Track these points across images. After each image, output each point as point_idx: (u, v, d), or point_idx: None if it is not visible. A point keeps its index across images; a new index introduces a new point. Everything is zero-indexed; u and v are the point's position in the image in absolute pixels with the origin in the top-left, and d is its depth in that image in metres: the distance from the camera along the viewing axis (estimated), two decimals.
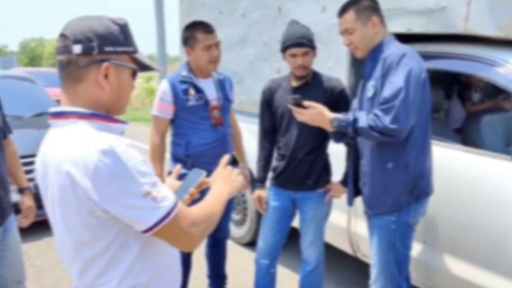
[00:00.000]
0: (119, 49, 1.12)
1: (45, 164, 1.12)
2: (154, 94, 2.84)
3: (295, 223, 2.70)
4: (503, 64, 2.21)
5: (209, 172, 1.43)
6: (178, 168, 1.54)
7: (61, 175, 1.05)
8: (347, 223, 2.92)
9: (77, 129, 1.08)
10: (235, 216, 3.92)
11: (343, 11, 2.08)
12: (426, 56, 2.21)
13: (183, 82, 2.54)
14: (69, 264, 1.17)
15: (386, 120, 1.87)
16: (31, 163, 2.76)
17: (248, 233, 3.78)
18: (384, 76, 1.96)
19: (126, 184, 1.02)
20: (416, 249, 2.37)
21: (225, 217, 2.80)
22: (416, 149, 2.02)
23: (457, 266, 2.34)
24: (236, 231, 3.90)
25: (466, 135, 3.11)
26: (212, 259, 2.97)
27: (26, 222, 2.34)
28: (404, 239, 2.11)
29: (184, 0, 4.49)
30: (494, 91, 3.57)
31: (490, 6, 2.23)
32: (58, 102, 1.17)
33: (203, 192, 1.41)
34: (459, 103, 3.66)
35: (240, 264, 3.49)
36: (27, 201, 2.31)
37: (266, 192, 2.58)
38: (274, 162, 2.55)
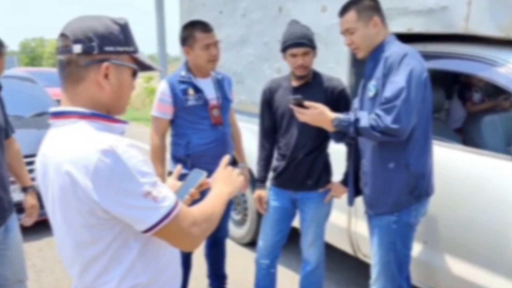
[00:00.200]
0: (120, 49, 1.12)
1: (45, 164, 1.12)
2: (154, 94, 2.85)
3: (296, 223, 2.70)
4: (504, 64, 2.21)
5: (210, 172, 1.43)
6: (179, 169, 1.54)
7: (61, 175, 1.05)
8: (347, 223, 2.92)
9: (77, 129, 1.08)
10: (236, 216, 3.92)
11: (344, 11, 2.08)
12: (426, 56, 2.20)
13: (182, 82, 2.54)
14: (69, 264, 1.17)
15: (388, 120, 1.87)
16: (32, 163, 2.76)
17: (249, 233, 3.78)
18: (386, 76, 1.96)
19: (126, 184, 1.02)
20: (416, 249, 2.37)
21: (224, 216, 2.80)
22: (417, 149, 2.02)
23: (457, 266, 2.34)
24: (236, 231, 3.89)
25: (466, 135, 3.11)
26: (212, 258, 2.97)
27: (29, 221, 2.34)
28: (404, 239, 2.11)
29: (184, 0, 4.49)
30: (494, 91, 3.56)
31: (491, 6, 2.23)
32: (58, 102, 1.18)
33: (203, 193, 1.41)
34: (460, 103, 3.66)
35: (240, 264, 3.49)
36: (31, 200, 2.31)
37: (266, 192, 2.58)
38: (275, 162, 2.55)
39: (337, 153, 2.51)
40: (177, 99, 2.51)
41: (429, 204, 2.16)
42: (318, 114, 2.06)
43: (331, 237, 2.94)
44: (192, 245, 1.16)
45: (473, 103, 3.65)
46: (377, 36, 2.05)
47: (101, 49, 1.09)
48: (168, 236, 1.10)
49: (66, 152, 1.05)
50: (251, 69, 3.72)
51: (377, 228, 2.14)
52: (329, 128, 2.09)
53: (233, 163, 1.43)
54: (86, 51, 1.08)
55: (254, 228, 3.66)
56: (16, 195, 2.66)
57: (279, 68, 3.31)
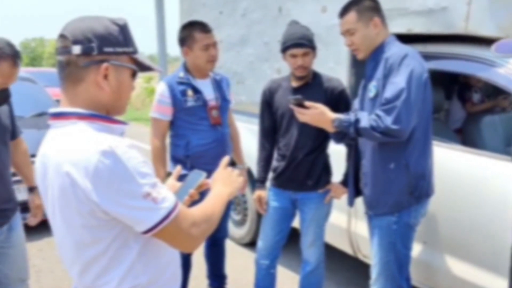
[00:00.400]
0: (119, 49, 1.12)
1: (45, 164, 1.12)
2: (154, 94, 2.85)
3: (295, 223, 2.70)
4: (503, 64, 2.21)
5: (209, 172, 1.43)
6: (178, 169, 1.54)
7: (61, 176, 1.05)
8: (347, 223, 2.92)
9: (77, 130, 1.08)
10: (235, 216, 3.92)
11: (344, 11, 2.08)
12: (426, 57, 2.21)
13: (181, 83, 2.54)
14: (69, 265, 1.17)
15: (388, 120, 1.87)
16: (32, 163, 2.77)
17: (248, 233, 3.78)
18: (386, 76, 1.96)
19: (126, 185, 1.02)
20: (416, 249, 2.37)
21: (224, 216, 2.80)
22: (418, 150, 2.02)
23: (457, 267, 2.34)
24: (236, 231, 3.89)
25: (466, 136, 3.11)
26: (211, 259, 2.97)
27: (34, 220, 2.35)
28: (404, 240, 2.11)
29: (184, 0, 4.49)
30: (494, 91, 3.56)
31: (491, 6, 2.23)
32: (58, 102, 1.18)
33: (203, 193, 1.41)
34: (459, 104, 3.66)
35: (240, 264, 3.49)
36: (36, 200, 2.32)
37: (266, 192, 2.58)
38: (274, 163, 2.55)
39: (337, 153, 2.51)
40: (176, 100, 2.51)
41: (429, 204, 2.16)
42: (318, 114, 2.06)
43: (331, 238, 2.94)
44: (192, 246, 1.16)
45: (472, 103, 3.65)
46: (378, 37, 2.05)
47: (101, 50, 1.09)
48: (167, 237, 1.10)
49: (66, 153, 1.05)
50: (251, 69, 3.72)
51: (377, 229, 2.14)
52: (329, 128, 2.09)
53: (232, 164, 1.43)
54: (86, 52, 1.08)
55: (254, 228, 3.66)
56: (21, 195, 2.67)
57: (279, 69, 3.31)
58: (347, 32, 2.08)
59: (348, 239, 2.94)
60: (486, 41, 2.34)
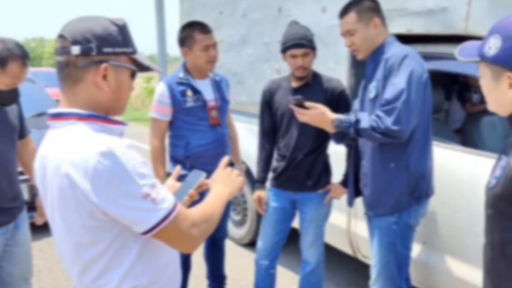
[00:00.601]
0: (118, 50, 1.11)
1: (44, 165, 1.12)
2: (154, 94, 2.85)
3: (295, 223, 2.70)
4: None
5: (209, 173, 1.43)
6: (178, 170, 1.54)
7: (60, 177, 1.05)
8: (347, 224, 2.92)
9: (76, 131, 1.08)
10: (235, 216, 3.92)
11: (344, 12, 2.08)
12: (426, 57, 2.20)
13: (180, 83, 2.54)
14: (69, 265, 1.17)
15: (388, 121, 1.87)
16: None
17: (248, 234, 3.77)
18: (386, 77, 1.96)
19: (125, 186, 1.02)
20: (416, 249, 2.37)
21: (223, 217, 2.80)
22: (418, 150, 2.02)
23: (456, 267, 2.34)
24: (236, 231, 3.89)
25: (466, 136, 3.11)
26: (211, 259, 2.97)
27: (41, 219, 2.36)
28: (404, 240, 2.11)
29: (184, 0, 4.49)
30: None
31: (490, 6, 2.23)
32: (58, 102, 1.18)
33: (202, 194, 1.41)
34: (459, 104, 3.66)
35: (240, 264, 3.49)
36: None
37: (266, 192, 2.58)
38: (274, 163, 2.55)
39: (337, 154, 2.51)
40: (176, 100, 2.51)
41: (428, 205, 2.16)
42: (318, 114, 2.06)
43: (330, 238, 2.94)
44: (192, 247, 1.16)
45: (472, 103, 3.65)
46: (377, 38, 2.05)
47: (100, 50, 1.09)
48: (167, 237, 1.10)
49: (65, 154, 1.04)
50: (251, 69, 3.72)
51: (377, 229, 2.14)
52: (330, 129, 2.09)
53: (230, 164, 1.43)
54: (85, 53, 1.08)
55: (254, 228, 3.66)
56: (27, 193, 2.68)
57: (279, 69, 3.31)
58: (347, 33, 2.08)
59: (347, 239, 2.94)
60: None
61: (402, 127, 1.88)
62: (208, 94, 2.59)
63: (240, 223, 3.89)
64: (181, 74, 2.57)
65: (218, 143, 2.60)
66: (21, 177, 2.26)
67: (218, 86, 2.66)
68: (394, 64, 1.94)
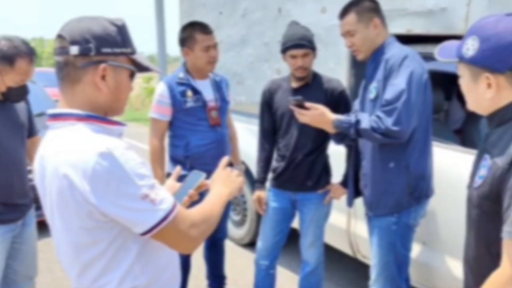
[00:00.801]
0: (117, 50, 1.11)
1: (43, 166, 1.12)
2: (154, 94, 2.85)
3: (295, 224, 2.70)
4: None
5: (208, 173, 1.43)
6: (178, 170, 1.54)
7: (59, 178, 1.04)
8: (346, 224, 2.92)
9: (75, 132, 1.07)
10: (235, 216, 3.92)
11: (344, 13, 2.08)
12: (426, 57, 2.20)
13: (180, 84, 2.54)
14: (68, 266, 1.17)
15: (388, 122, 1.87)
16: None
17: (248, 234, 3.77)
18: (386, 78, 1.96)
19: (124, 187, 1.02)
20: (415, 250, 2.37)
21: (223, 217, 2.79)
22: (418, 151, 2.02)
23: (456, 267, 2.33)
24: (236, 232, 3.89)
25: (466, 136, 3.11)
26: (211, 259, 2.97)
27: None
28: (404, 240, 2.11)
29: (184, 0, 4.49)
30: None
31: (490, 7, 2.23)
32: (57, 102, 1.18)
33: (202, 194, 1.41)
34: (459, 104, 3.65)
35: (240, 264, 3.49)
36: None
37: (266, 193, 2.58)
38: (274, 163, 2.54)
39: (336, 154, 2.51)
40: (176, 100, 2.51)
41: (428, 205, 2.16)
42: (318, 115, 2.06)
43: (330, 238, 2.94)
44: (191, 247, 1.16)
45: None
46: (378, 38, 2.05)
47: (98, 50, 1.08)
48: (166, 238, 1.10)
49: (64, 155, 1.04)
50: (251, 69, 3.72)
51: (377, 229, 2.14)
52: (330, 129, 2.09)
53: (230, 164, 1.43)
54: (83, 53, 1.08)
55: (254, 228, 3.66)
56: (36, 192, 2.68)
57: (279, 69, 3.31)
58: (347, 33, 2.08)
59: (347, 239, 2.94)
60: None
61: (403, 127, 1.88)
62: (208, 94, 2.59)
63: (240, 223, 3.89)
64: (181, 74, 2.57)
65: (218, 143, 2.60)
66: (30, 176, 2.27)
67: (218, 87, 2.66)
68: (394, 64, 1.94)
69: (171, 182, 1.49)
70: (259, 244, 2.63)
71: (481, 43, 1.15)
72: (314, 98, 2.23)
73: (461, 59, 1.22)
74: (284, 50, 2.33)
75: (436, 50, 1.33)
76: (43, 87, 5.60)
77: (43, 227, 2.19)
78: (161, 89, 2.54)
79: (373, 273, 2.18)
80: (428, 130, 2.06)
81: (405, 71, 1.91)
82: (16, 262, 2.17)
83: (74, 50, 1.07)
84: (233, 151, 2.87)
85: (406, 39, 2.30)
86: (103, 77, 1.10)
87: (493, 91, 1.16)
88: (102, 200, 1.02)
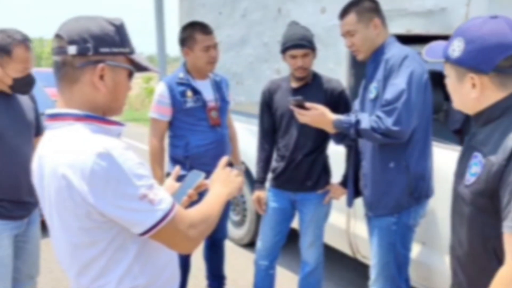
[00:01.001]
0: (115, 50, 1.11)
1: (41, 166, 1.11)
2: (154, 94, 2.86)
3: (295, 224, 2.70)
4: None
5: (208, 173, 1.43)
6: (177, 170, 1.54)
7: (57, 178, 1.04)
8: (346, 224, 2.92)
9: (73, 132, 1.07)
10: (235, 217, 3.92)
11: (344, 13, 2.08)
12: None
13: (180, 84, 2.54)
14: (67, 266, 1.17)
15: (389, 122, 1.87)
16: None
17: (248, 234, 3.77)
18: (386, 78, 1.96)
19: (122, 187, 1.02)
20: (415, 250, 2.37)
21: (223, 217, 2.80)
22: (418, 151, 2.02)
23: None
24: (235, 232, 3.89)
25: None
26: (211, 260, 2.97)
27: None
28: (404, 241, 2.11)
29: (184, 0, 4.49)
30: None
31: (489, 7, 2.23)
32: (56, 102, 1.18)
33: (201, 194, 1.41)
34: None
35: (240, 264, 3.49)
36: None
37: (265, 193, 2.58)
38: (274, 163, 2.54)
39: (336, 154, 2.51)
40: (176, 101, 2.51)
41: (428, 205, 2.16)
42: (318, 115, 2.06)
43: (330, 238, 2.94)
44: (190, 247, 1.16)
45: None
46: (378, 38, 2.05)
47: (96, 50, 1.08)
48: (165, 238, 1.09)
49: (62, 155, 1.04)
50: (251, 69, 3.72)
51: (376, 229, 2.14)
52: (330, 129, 2.09)
53: (230, 164, 1.43)
54: (81, 53, 1.07)
55: (253, 229, 3.65)
56: None
57: (279, 69, 3.31)
58: (347, 34, 2.08)
59: (347, 239, 2.94)
60: None
61: (403, 127, 1.88)
62: (208, 94, 2.59)
63: (239, 224, 3.89)
64: (181, 75, 2.56)
65: (217, 143, 2.60)
66: None
67: (218, 87, 2.66)
68: (394, 64, 1.94)
69: (170, 182, 1.49)
70: (259, 244, 2.63)
71: (467, 45, 1.20)
72: (314, 98, 2.23)
73: (447, 59, 1.27)
74: (284, 50, 2.33)
75: (424, 50, 1.38)
76: (43, 87, 5.59)
77: (43, 227, 2.19)
78: (161, 89, 2.54)
79: (373, 273, 2.18)
80: (428, 130, 2.06)
81: (405, 71, 1.91)
82: (20, 261, 2.17)
83: (72, 50, 1.07)
84: (233, 151, 2.87)
85: (405, 39, 2.30)
86: (101, 77, 1.10)
87: (478, 91, 1.21)
88: (100, 201, 1.01)
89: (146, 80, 16.17)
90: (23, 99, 2.21)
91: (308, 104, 2.07)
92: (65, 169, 1.02)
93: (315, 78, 2.41)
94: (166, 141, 2.65)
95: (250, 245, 3.72)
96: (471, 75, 1.20)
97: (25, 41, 2.00)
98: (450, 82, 1.29)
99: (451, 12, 2.29)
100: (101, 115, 1.13)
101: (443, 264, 2.39)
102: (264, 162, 2.57)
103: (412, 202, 2.05)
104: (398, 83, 1.90)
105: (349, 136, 2.07)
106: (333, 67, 2.90)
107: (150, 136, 2.59)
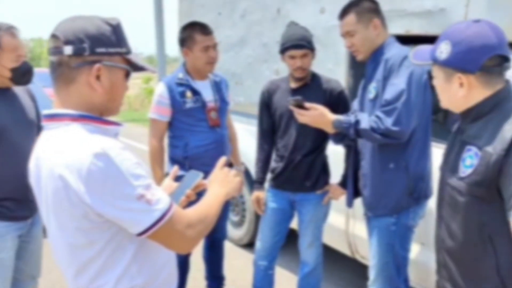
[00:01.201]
0: (111, 50, 1.10)
1: (38, 167, 1.11)
2: (153, 94, 2.86)
3: (294, 224, 2.70)
4: None
5: (207, 173, 1.43)
6: (175, 170, 1.54)
7: (54, 179, 1.04)
8: (345, 224, 2.92)
9: (70, 132, 1.07)
10: (234, 217, 3.92)
11: (344, 13, 2.08)
12: None
13: (180, 84, 2.53)
14: (65, 267, 1.17)
15: (388, 122, 1.87)
16: None
17: (247, 234, 3.77)
18: (386, 78, 1.96)
19: (119, 187, 1.02)
20: (414, 250, 2.37)
21: (222, 217, 2.80)
22: (417, 151, 2.02)
23: None
24: (234, 232, 3.89)
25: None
26: (210, 260, 2.96)
27: None
28: (403, 241, 2.11)
29: (183, 0, 4.49)
30: None
31: (489, 7, 2.23)
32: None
33: (200, 194, 1.41)
34: None
35: (239, 265, 3.49)
36: None
37: (264, 193, 2.58)
38: (273, 163, 2.54)
39: (335, 154, 2.51)
40: (175, 101, 2.51)
41: (427, 206, 2.16)
42: (318, 115, 2.06)
43: (329, 239, 2.94)
44: (188, 248, 1.15)
45: None
46: (377, 38, 2.05)
47: (93, 50, 1.07)
48: (162, 238, 1.09)
49: (59, 155, 1.04)
50: (250, 70, 3.72)
51: (376, 230, 2.14)
52: (329, 129, 2.09)
53: (229, 165, 1.43)
54: (77, 53, 1.07)
55: (252, 229, 3.65)
56: None
57: (278, 70, 3.31)
58: (347, 34, 2.08)
59: (346, 240, 2.94)
60: None
61: (402, 128, 1.88)
62: (208, 95, 2.58)
63: (238, 224, 3.89)
64: (181, 75, 2.56)
65: (217, 144, 2.59)
66: None
67: (218, 87, 2.66)
68: (394, 65, 1.94)
69: (169, 182, 1.49)
70: (258, 244, 2.63)
71: (453, 47, 1.27)
72: (313, 98, 2.23)
73: (435, 61, 1.34)
74: (283, 50, 2.33)
75: (411, 54, 1.45)
76: (42, 87, 5.58)
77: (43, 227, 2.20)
78: (160, 89, 2.53)
79: (372, 274, 2.17)
80: (427, 130, 2.06)
81: (405, 71, 1.91)
82: (22, 261, 2.17)
83: (68, 50, 1.07)
84: (233, 152, 2.87)
85: (404, 40, 2.30)
86: (98, 77, 1.09)
87: (465, 90, 1.29)
88: (97, 201, 1.01)
89: (146, 81, 16.18)
90: (24, 98, 2.21)
91: (307, 104, 2.07)
92: (62, 169, 1.02)
93: (314, 79, 2.41)
94: (166, 142, 2.65)
95: (249, 245, 3.72)
96: (458, 75, 1.28)
97: (10, 29, 1.99)
98: (438, 82, 1.37)
99: (450, 12, 2.29)
100: (98, 115, 1.13)
101: None
102: (263, 162, 2.57)
103: (412, 203, 2.05)
104: (398, 83, 1.90)
105: (348, 136, 2.07)
106: (332, 67, 2.90)
107: (149, 136, 2.59)
